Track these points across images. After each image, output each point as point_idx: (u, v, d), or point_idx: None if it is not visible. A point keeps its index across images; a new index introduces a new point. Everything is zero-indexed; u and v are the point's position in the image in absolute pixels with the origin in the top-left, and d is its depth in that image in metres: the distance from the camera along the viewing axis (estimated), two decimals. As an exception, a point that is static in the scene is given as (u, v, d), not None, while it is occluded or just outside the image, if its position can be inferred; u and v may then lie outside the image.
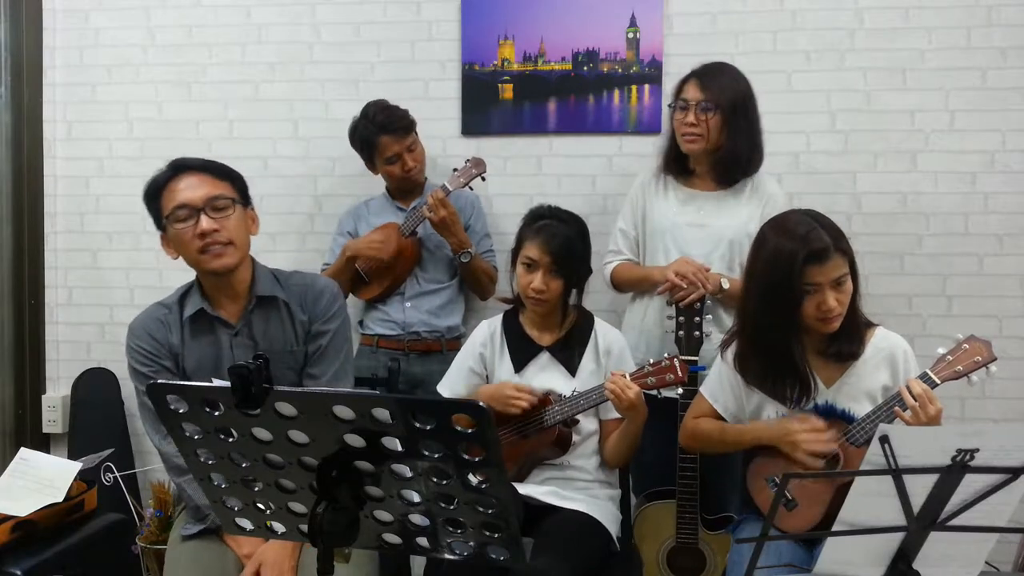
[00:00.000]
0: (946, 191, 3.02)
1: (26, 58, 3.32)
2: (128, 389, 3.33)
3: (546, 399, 2.30)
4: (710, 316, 2.46)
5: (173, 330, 2.07)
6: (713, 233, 2.59)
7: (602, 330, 2.40)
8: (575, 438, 2.31)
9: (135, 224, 3.35)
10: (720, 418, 2.14)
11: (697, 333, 2.43)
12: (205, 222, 1.97)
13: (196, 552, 2.02)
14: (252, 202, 2.12)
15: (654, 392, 2.24)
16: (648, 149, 3.01)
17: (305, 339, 2.10)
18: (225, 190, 2.03)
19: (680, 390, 2.28)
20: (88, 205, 3.39)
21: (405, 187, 2.96)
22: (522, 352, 2.38)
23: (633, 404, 2.17)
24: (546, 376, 2.35)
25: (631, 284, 2.70)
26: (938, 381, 1.95)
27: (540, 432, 2.28)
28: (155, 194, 2.03)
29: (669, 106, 2.64)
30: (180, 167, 2.03)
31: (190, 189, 1.99)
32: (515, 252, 2.38)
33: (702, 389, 2.20)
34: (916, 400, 1.88)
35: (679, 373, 2.20)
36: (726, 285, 2.49)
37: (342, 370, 2.13)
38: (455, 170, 2.88)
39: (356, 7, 3.23)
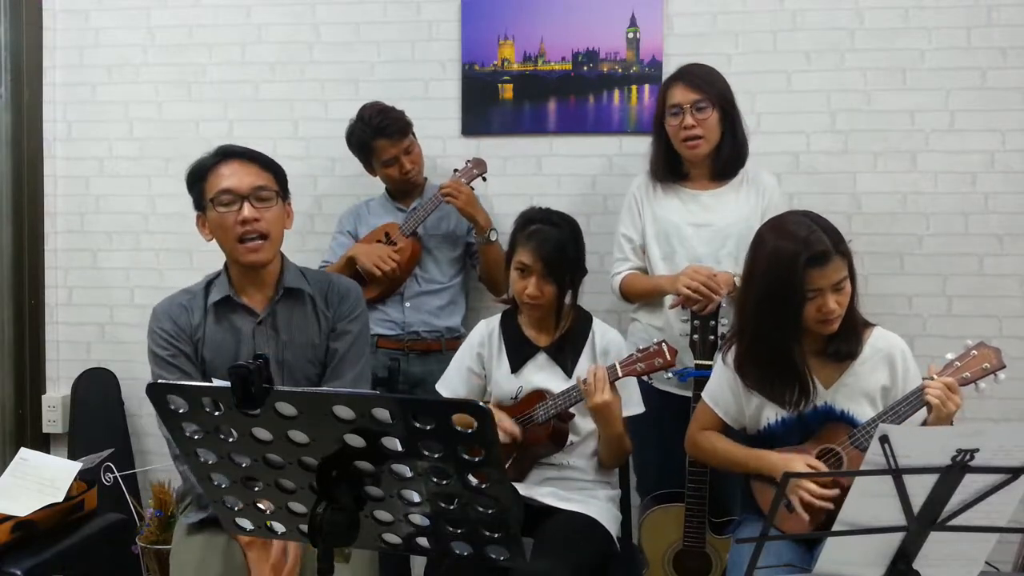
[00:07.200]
0: (946, 191, 3.02)
1: (26, 58, 3.32)
2: (128, 389, 3.33)
3: (539, 395, 2.30)
4: (725, 320, 2.41)
5: (195, 315, 2.09)
6: (718, 231, 2.57)
7: (600, 330, 2.39)
8: (573, 437, 2.31)
9: (135, 224, 3.36)
10: (723, 423, 2.13)
11: (712, 337, 2.39)
12: (248, 210, 2.01)
13: (201, 543, 2.02)
14: (290, 196, 2.16)
15: (647, 380, 2.22)
16: (648, 149, 3.01)
17: (328, 335, 2.13)
18: (269, 182, 2.07)
19: (670, 374, 2.26)
20: (88, 205, 3.39)
21: (404, 188, 2.96)
22: (519, 352, 2.37)
23: (605, 404, 2.16)
24: (543, 377, 2.34)
25: (641, 296, 2.65)
26: None
27: (534, 428, 2.28)
28: (200, 176, 2.07)
29: (660, 115, 2.59)
30: (228, 153, 2.07)
31: (236, 176, 2.03)
32: (508, 256, 2.38)
33: (703, 394, 2.19)
34: (941, 392, 1.85)
35: (667, 357, 2.21)
36: (739, 283, 2.47)
37: (363, 373, 2.15)
38: (456, 170, 2.88)
39: (356, 7, 3.23)
